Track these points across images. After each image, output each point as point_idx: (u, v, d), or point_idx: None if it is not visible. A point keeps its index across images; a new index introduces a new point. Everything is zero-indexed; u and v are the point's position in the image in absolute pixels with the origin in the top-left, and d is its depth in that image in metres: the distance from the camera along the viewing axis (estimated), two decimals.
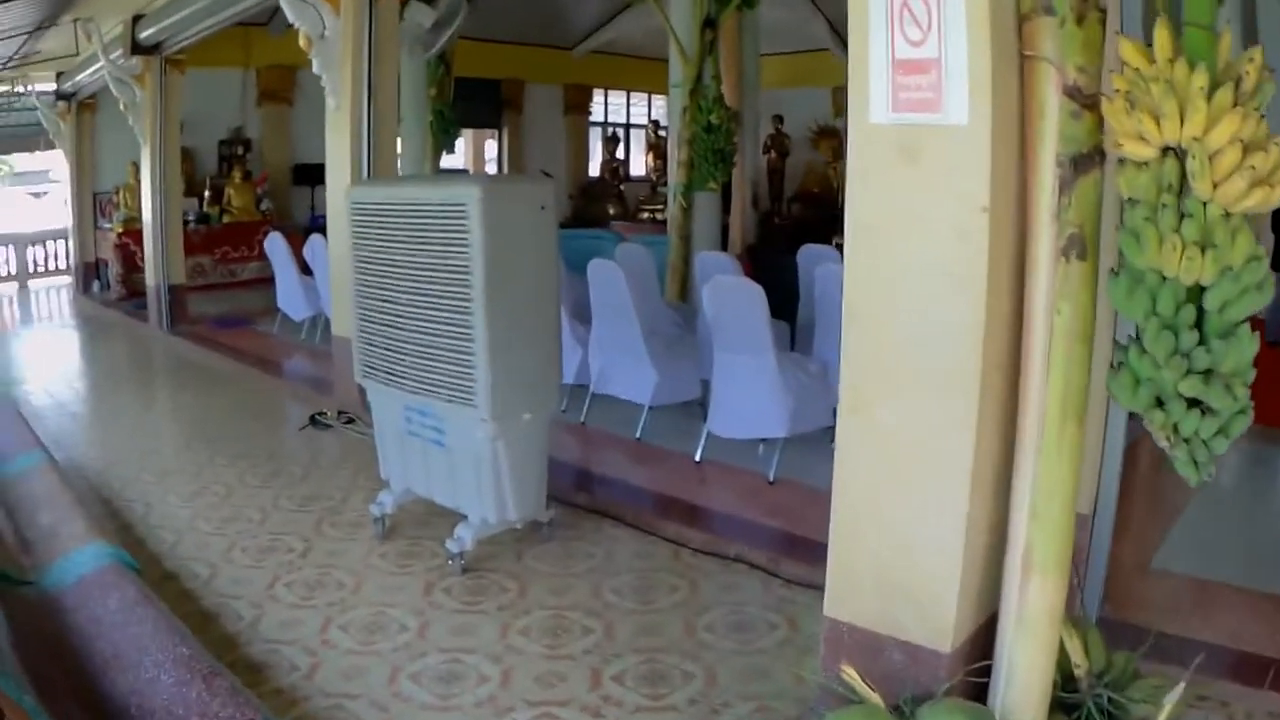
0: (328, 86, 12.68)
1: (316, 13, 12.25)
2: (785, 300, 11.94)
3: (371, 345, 8.30)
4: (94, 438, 12.72)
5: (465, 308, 7.22)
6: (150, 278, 20.55)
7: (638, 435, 11.20)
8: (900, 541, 4.96)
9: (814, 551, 6.87)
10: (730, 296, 9.70)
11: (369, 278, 8.11)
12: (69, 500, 8.67)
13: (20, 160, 40.64)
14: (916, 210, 4.64)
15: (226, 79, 26.14)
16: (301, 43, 12.54)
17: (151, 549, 8.65)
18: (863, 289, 5.01)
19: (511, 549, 8.41)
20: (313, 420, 12.43)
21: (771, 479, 9.71)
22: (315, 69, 12.62)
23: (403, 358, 7.97)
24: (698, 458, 10.35)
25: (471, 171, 32.03)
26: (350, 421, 11.77)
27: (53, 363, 18.60)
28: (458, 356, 7.42)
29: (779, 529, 8.68)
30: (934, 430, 4.78)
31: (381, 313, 8.06)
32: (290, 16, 12.30)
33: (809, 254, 12.96)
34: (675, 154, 15.00)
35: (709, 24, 14.39)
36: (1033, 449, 4.52)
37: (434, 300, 7.49)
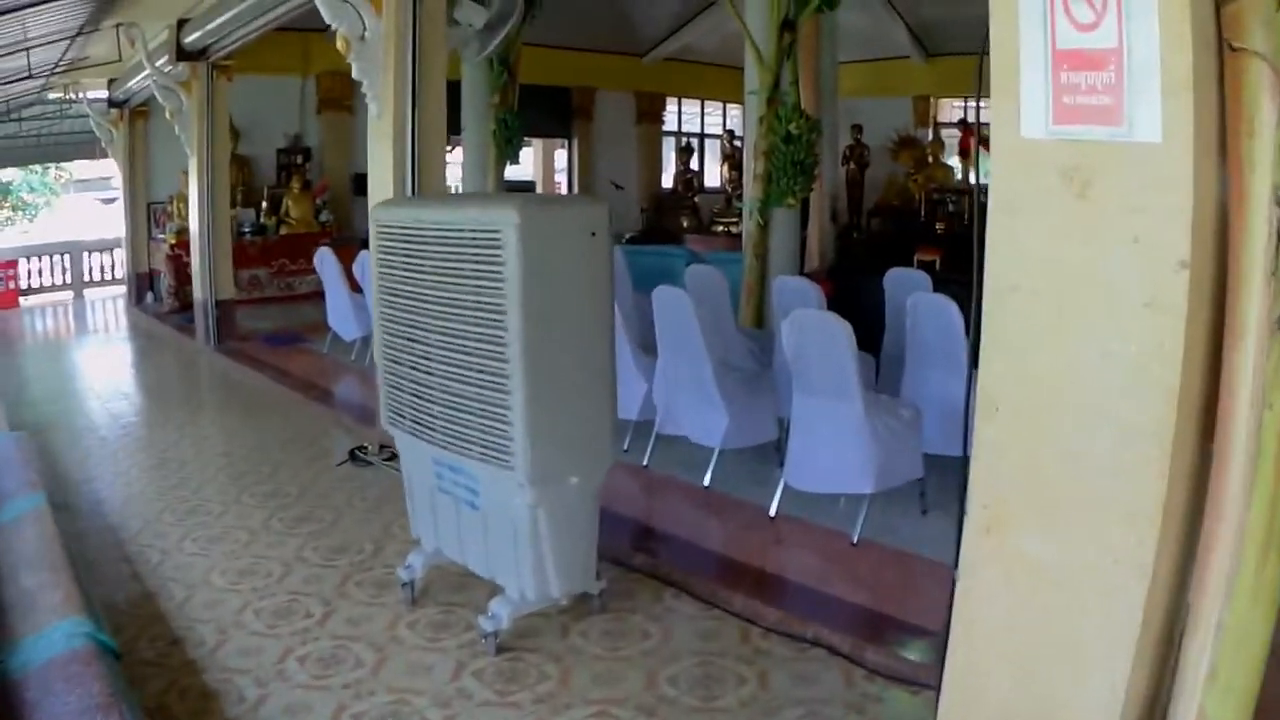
0: (368, 93, 11.80)
1: (356, 12, 11.37)
2: (869, 328, 10.79)
3: (397, 389, 7.14)
4: (121, 467, 12.03)
5: (499, 353, 6.05)
6: (197, 292, 19.92)
7: (706, 483, 10.00)
8: (1040, 700, 3.74)
9: (903, 634, 6.60)
10: (813, 335, 8.58)
11: (395, 312, 6.94)
12: (57, 558, 7.61)
13: (84, 167, 40.27)
14: (1086, 263, 3.37)
15: (285, 86, 25.62)
16: (339, 45, 11.68)
17: (160, 605, 7.91)
18: (1005, 372, 3.81)
19: (555, 621, 7.35)
20: (352, 455, 11.52)
21: (855, 540, 8.53)
22: (355, 74, 11.76)
23: (431, 405, 6.80)
24: (772, 512, 9.16)
25: (539, 183, 31.46)
26: (392, 458, 10.57)
27: (93, 380, 18.06)
28: (491, 410, 6.25)
29: (863, 605, 7.54)
30: (1096, 569, 3.56)
31: (408, 352, 6.90)
32: (326, 16, 11.41)
33: (897, 279, 11.98)
34: (751, 166, 13.87)
35: (787, 26, 13.25)
36: (1220, 593, 3.28)
37: (465, 342, 6.32)
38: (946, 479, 8.18)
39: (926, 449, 9.02)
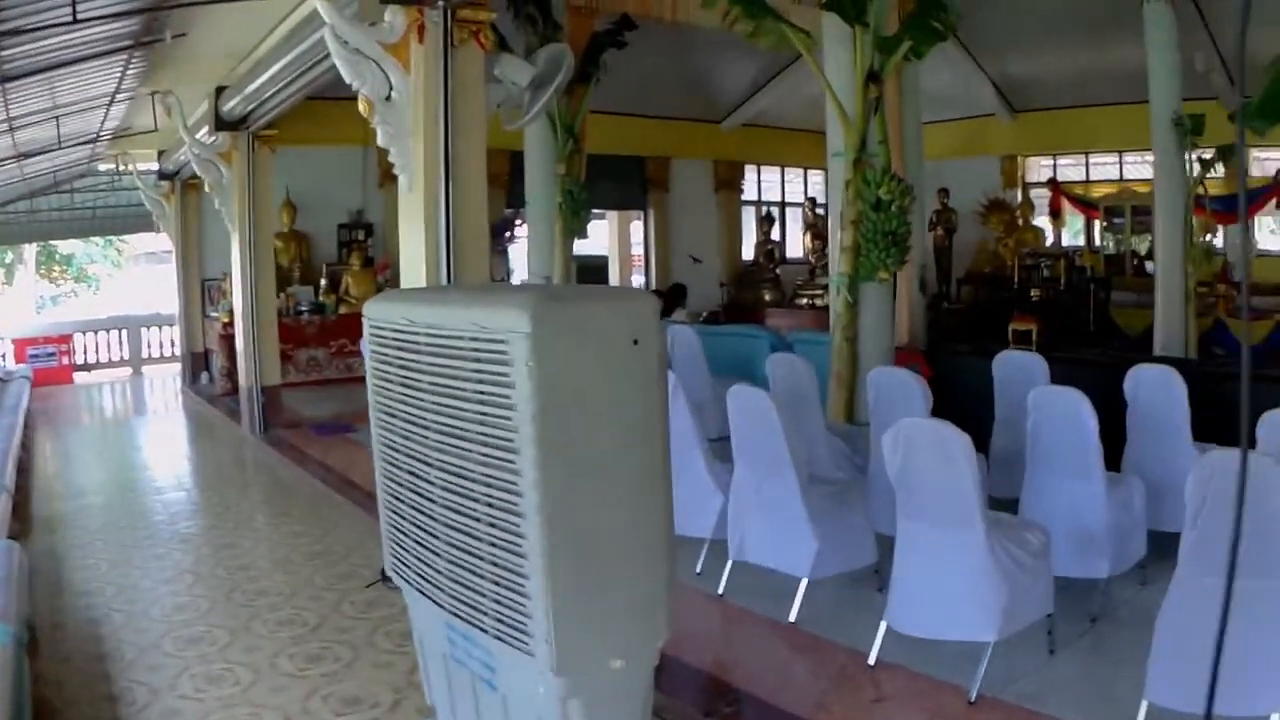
0: (396, 162, 10.51)
1: (379, 69, 10.02)
2: (976, 419, 9.22)
3: (399, 531, 5.31)
4: (131, 579, 10.76)
5: (512, 504, 4.20)
6: (242, 378, 18.84)
7: (792, 618, 8.29)
8: None
9: None
10: (923, 450, 6.99)
11: (392, 436, 5.12)
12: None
13: (149, 240, 39.60)
14: None
15: (346, 158, 24.49)
16: (361, 108, 10.37)
17: None
18: None
19: None
20: (384, 576, 9.84)
21: (973, 698, 6.84)
22: (380, 140, 10.43)
23: (436, 559, 4.95)
24: (871, 659, 7.46)
25: (613, 258, 30.08)
26: None
27: (126, 471, 17.31)
28: (505, 576, 4.38)
29: None
30: None
31: (409, 489, 5.06)
32: (346, 75, 10.10)
33: (1011, 364, 10.90)
34: (837, 237, 12.34)
35: (872, 78, 11.81)
36: None
37: (470, 485, 4.46)
38: (1074, 609, 7.77)
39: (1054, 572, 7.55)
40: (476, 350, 4.20)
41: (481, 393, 4.23)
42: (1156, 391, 9.40)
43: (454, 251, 10.08)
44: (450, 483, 4.63)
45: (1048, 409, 8.35)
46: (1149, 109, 19.39)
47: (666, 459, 4.45)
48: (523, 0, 16.65)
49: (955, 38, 23.84)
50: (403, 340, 4.86)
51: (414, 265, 10.42)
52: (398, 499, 5.26)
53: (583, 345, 4.10)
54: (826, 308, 25.42)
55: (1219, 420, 8.53)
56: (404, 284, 10.68)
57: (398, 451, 5.13)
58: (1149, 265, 25.30)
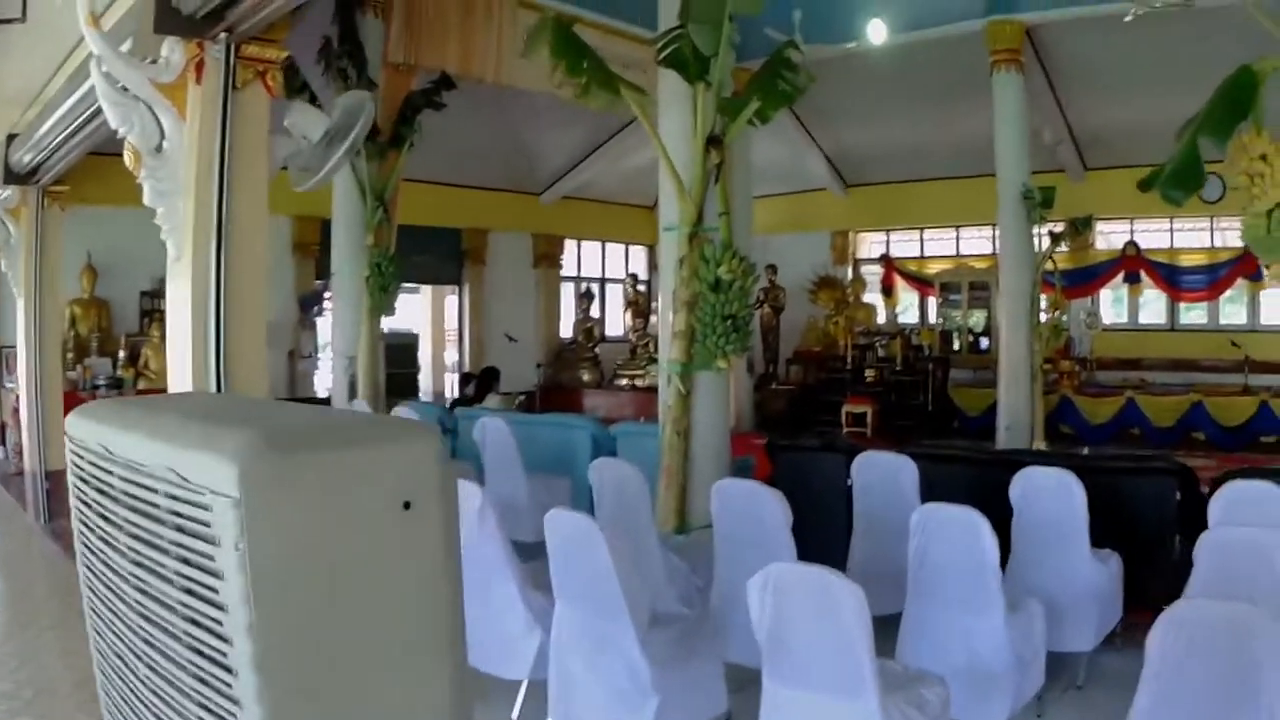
0: (164, 225, 9.01)
1: (150, 113, 8.47)
2: (824, 525, 9.26)
3: (108, 694, 3.72)
4: None
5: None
6: (26, 460, 17.20)
7: None
8: None
9: None
10: (802, 605, 5.51)
11: (95, 582, 3.51)
12: None
13: None
14: None
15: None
16: (127, 159, 8.85)
17: None
18: None
19: None
20: None
21: None
22: (146, 198, 8.94)
23: None
24: None
25: (426, 336, 28.22)
26: None
27: None
28: None
29: None
30: None
31: (112, 652, 3.48)
32: (112, 119, 8.58)
33: (874, 466, 9.61)
34: (669, 319, 10.84)
35: (714, 142, 10.41)
36: None
37: (172, 677, 2.86)
38: None
39: None
40: (176, 513, 2.61)
41: (185, 578, 2.65)
42: (1050, 497, 8.32)
43: (225, 339, 8.47)
44: (156, 661, 3.01)
45: (937, 532, 7.03)
46: (990, 181, 19.01)
47: (459, 665, 2.89)
48: (334, 53, 15.23)
49: (791, 110, 23.16)
50: (100, 478, 3.25)
51: (179, 353, 8.80)
52: (104, 656, 3.64)
53: (327, 515, 2.52)
54: (648, 389, 24.52)
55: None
56: (170, 377, 9.01)
57: (100, 603, 3.50)
58: (983, 342, 25.55)
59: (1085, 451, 16.19)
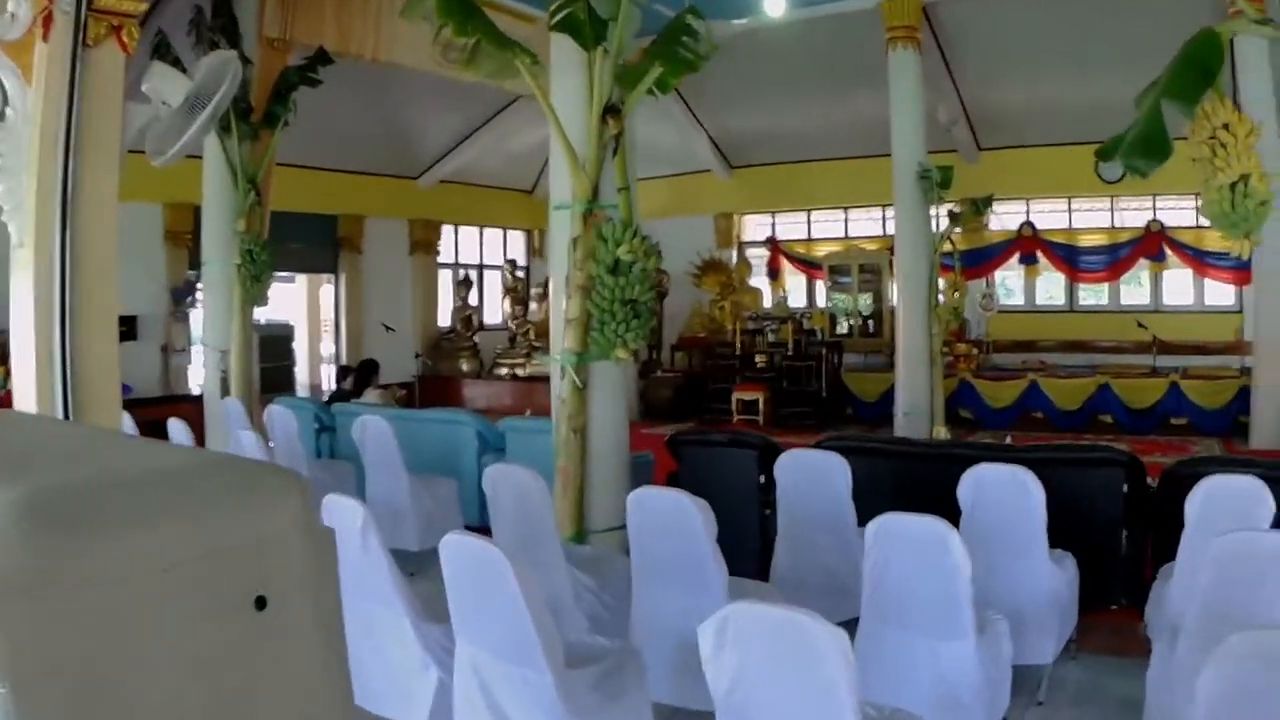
0: (5, 205, 7.60)
1: None
2: (737, 528, 8.23)
3: None
4: None
5: None
6: None
7: None
8: None
9: None
10: (769, 650, 4.49)
11: None
12: None
13: None
14: None
15: None
16: None
17: None
18: None
19: None
20: None
21: None
22: None
23: None
24: None
25: (303, 326, 26.91)
26: None
27: None
28: None
29: None
30: None
31: None
32: None
33: (802, 466, 8.53)
34: (561, 307, 9.76)
35: (611, 112, 9.37)
36: None
37: None
38: None
39: None
40: None
41: None
42: (1005, 496, 7.49)
43: (72, 335, 7.36)
44: None
45: (899, 547, 6.04)
46: (881, 162, 18.79)
47: None
48: (207, 26, 14.10)
49: (675, 90, 22.37)
50: None
51: (22, 353, 7.57)
52: None
53: (126, 632, 1.50)
54: (529, 379, 23.61)
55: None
56: (14, 380, 7.94)
57: None
58: (872, 326, 24.76)
59: (1002, 439, 15.61)
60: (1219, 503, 6.84)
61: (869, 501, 8.10)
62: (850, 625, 7.28)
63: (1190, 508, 6.92)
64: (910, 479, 9.30)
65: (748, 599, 5.89)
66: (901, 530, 5.95)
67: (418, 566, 9.39)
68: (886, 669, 5.97)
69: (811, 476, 8.27)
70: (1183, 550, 6.96)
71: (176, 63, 12.48)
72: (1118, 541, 8.73)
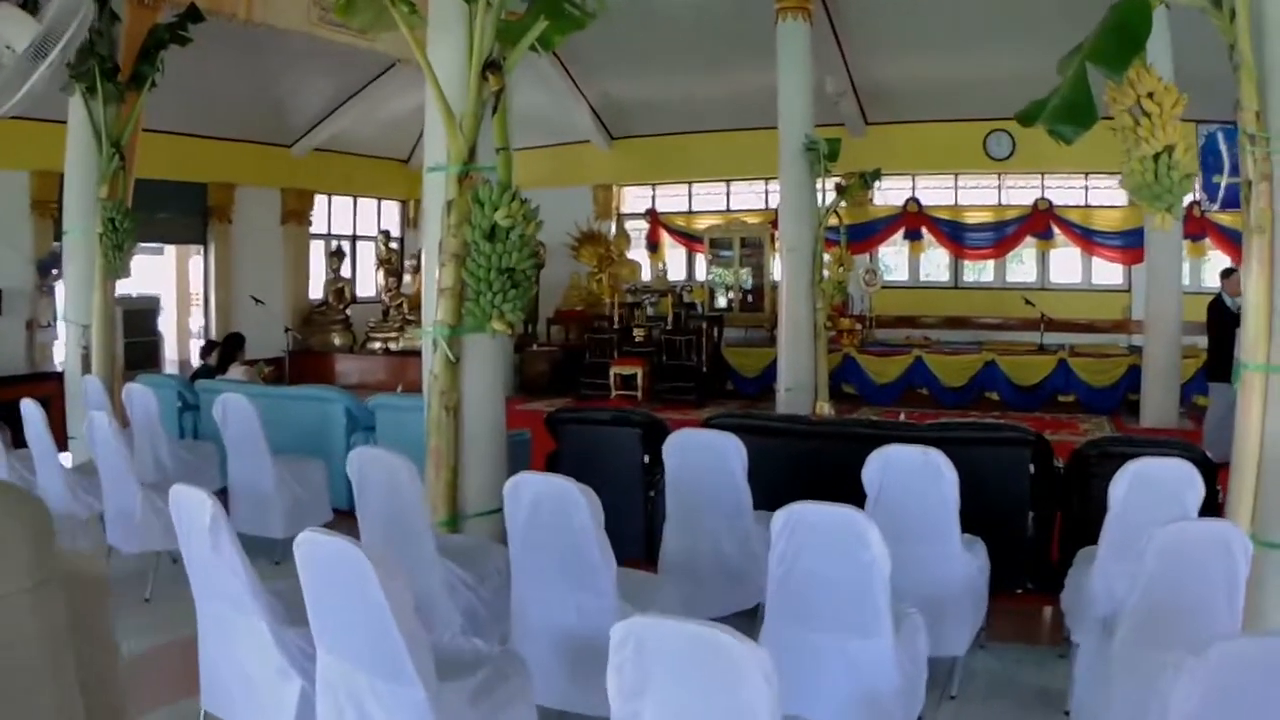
0: None
1: None
2: (621, 512, 7.50)
3: None
4: None
5: None
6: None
7: None
8: None
9: None
10: (676, 666, 3.90)
11: None
12: None
13: None
14: None
15: None
16: None
17: None
18: None
19: None
20: None
21: None
22: None
23: None
24: None
25: (172, 299, 25.94)
26: None
27: None
28: None
29: None
30: None
31: None
32: None
33: (694, 447, 7.86)
34: (434, 276, 8.96)
35: (492, 68, 8.62)
36: None
37: None
38: None
39: None
40: None
41: None
42: (915, 480, 6.94)
43: None
44: None
45: (812, 535, 5.41)
46: (764, 135, 18.65)
47: None
48: None
49: (556, 56, 22.61)
50: None
51: None
52: None
53: None
54: (402, 353, 22.97)
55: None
56: None
57: None
58: (750, 300, 24.38)
59: (895, 416, 15.09)
60: (1147, 487, 6.45)
61: (763, 483, 7.76)
62: (749, 616, 6.75)
63: (1115, 491, 6.51)
64: (806, 459, 8.83)
65: (641, 593, 5.29)
66: (814, 521, 5.35)
67: (284, 555, 8.35)
68: (796, 669, 5.39)
69: (703, 458, 7.66)
70: (1107, 536, 6.58)
71: (26, 4, 11.75)
72: (1024, 524, 8.38)
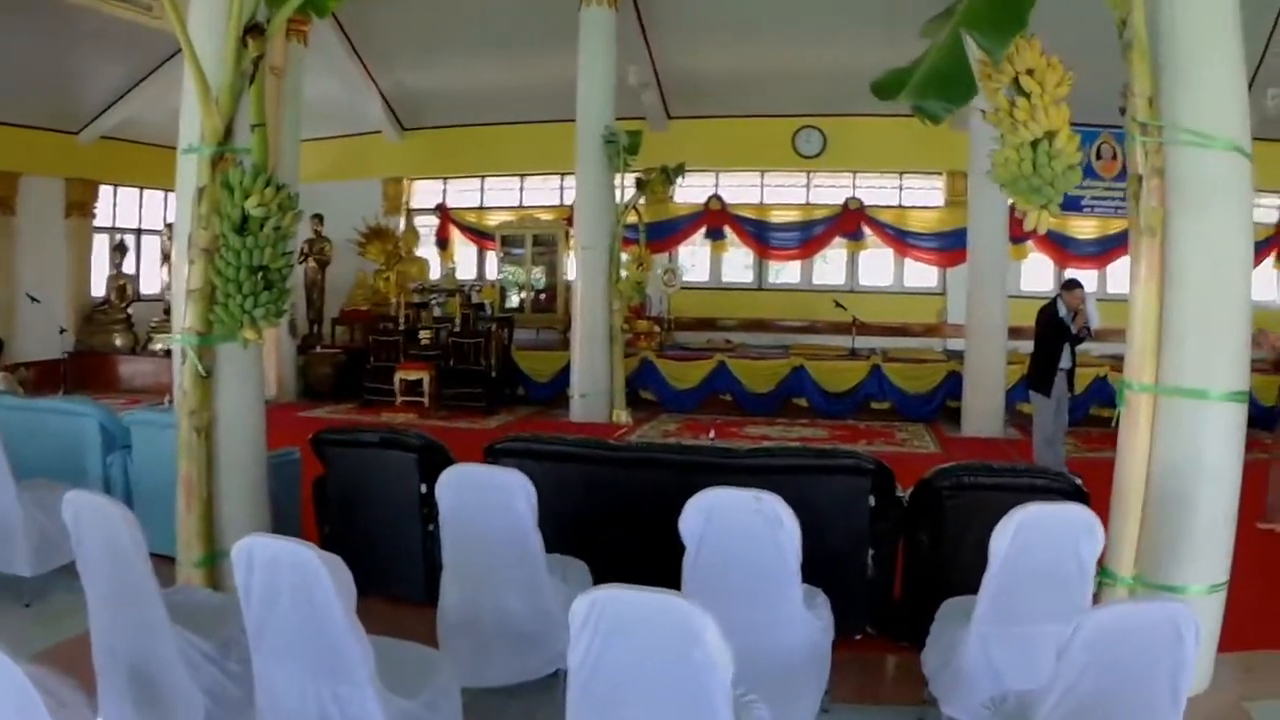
0: None
1: None
2: (387, 545, 7.43)
3: None
4: None
5: None
6: None
7: None
8: None
9: None
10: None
11: None
12: None
13: None
14: None
15: None
16: None
17: None
18: None
19: None
20: None
21: None
22: None
23: None
24: None
25: None
26: None
27: None
28: None
29: None
30: None
31: None
32: None
33: (471, 485, 6.32)
34: (185, 274, 7.45)
35: (253, 32, 7.11)
36: None
37: None
38: None
39: None
40: None
41: None
42: (748, 529, 5.58)
43: None
44: None
45: (620, 637, 4.02)
46: (562, 128, 17.67)
47: None
48: None
49: (348, 41, 21.64)
50: None
51: None
52: None
53: None
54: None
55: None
56: None
57: None
58: (543, 300, 23.20)
59: (704, 430, 14.22)
60: (1036, 538, 5.30)
61: (558, 520, 6.65)
62: (545, 685, 5.59)
63: (997, 544, 5.34)
64: (608, 490, 7.51)
65: (410, 674, 4.81)
66: (626, 616, 3.96)
67: (35, 596, 7.86)
68: None
69: (484, 497, 6.18)
70: (987, 595, 5.44)
71: None
72: (863, 563, 7.23)
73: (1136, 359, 6.10)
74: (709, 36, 19.80)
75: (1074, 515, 5.37)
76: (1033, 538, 5.23)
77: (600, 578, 5.97)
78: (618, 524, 6.28)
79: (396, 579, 5.36)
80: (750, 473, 6.74)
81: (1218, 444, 6.28)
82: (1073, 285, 12.58)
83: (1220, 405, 6.15)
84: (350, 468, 8.29)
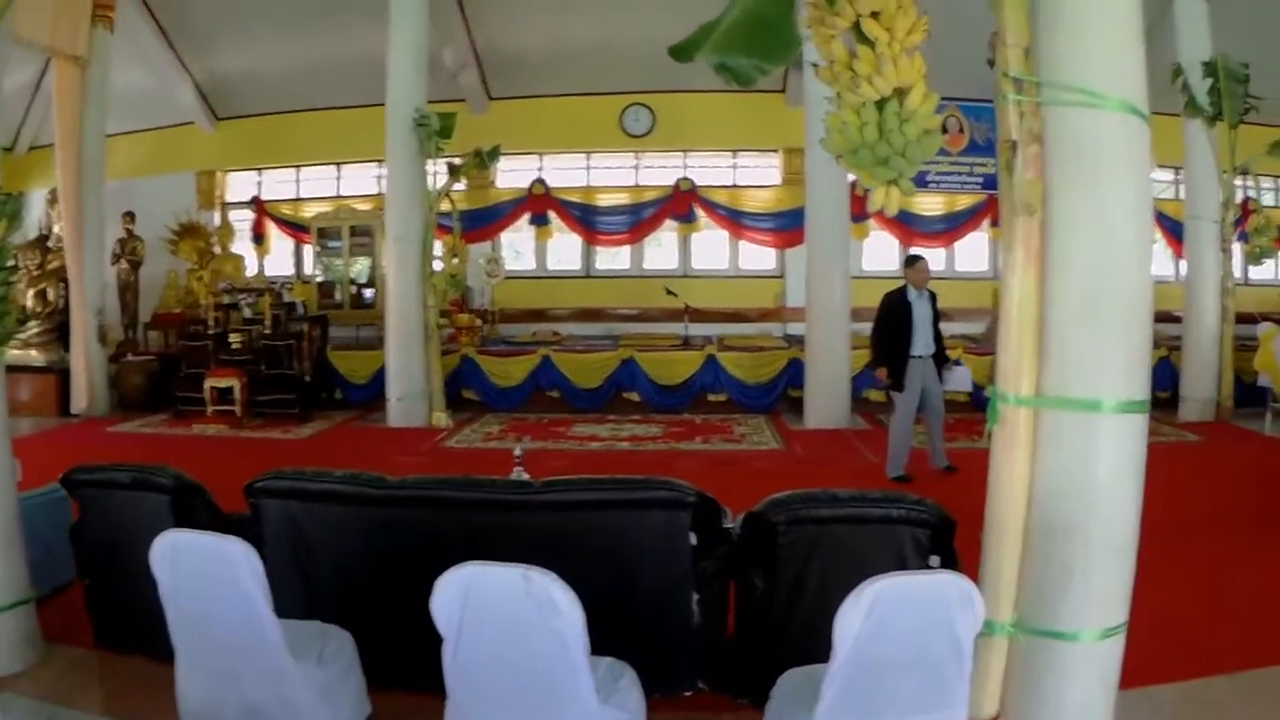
0: None
1: None
2: (137, 609, 6.03)
3: None
4: None
5: None
6: None
7: None
8: None
9: None
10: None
11: None
12: None
13: None
14: None
15: None
16: None
17: None
18: None
19: None
20: None
21: None
22: None
23: None
24: None
25: None
26: None
27: None
28: None
29: None
30: None
31: None
32: None
33: (192, 555, 5.03)
34: None
35: None
36: None
37: None
38: None
39: None
40: None
41: None
42: (515, 620, 4.32)
43: None
44: None
45: None
46: (380, 111, 16.17)
47: None
48: None
49: (159, 27, 20.50)
50: None
51: None
52: None
53: None
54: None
55: None
56: None
57: None
58: (368, 294, 21.74)
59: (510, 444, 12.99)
60: (897, 613, 4.14)
61: (328, 574, 6.11)
62: None
63: (845, 626, 4.12)
64: (383, 535, 6.27)
65: None
66: None
67: None
68: None
69: (208, 571, 4.89)
70: (839, 687, 4.22)
71: None
72: (687, 609, 6.08)
73: (1012, 365, 4.94)
74: (529, 11, 18.91)
75: (944, 586, 4.18)
76: (892, 614, 4.05)
77: (369, 649, 5.18)
78: (394, 576, 5.32)
79: (162, 640, 4.88)
80: (549, 509, 5.88)
81: (1112, 463, 5.02)
82: (914, 260, 11.85)
83: (1116, 418, 4.94)
84: (104, 510, 7.03)
